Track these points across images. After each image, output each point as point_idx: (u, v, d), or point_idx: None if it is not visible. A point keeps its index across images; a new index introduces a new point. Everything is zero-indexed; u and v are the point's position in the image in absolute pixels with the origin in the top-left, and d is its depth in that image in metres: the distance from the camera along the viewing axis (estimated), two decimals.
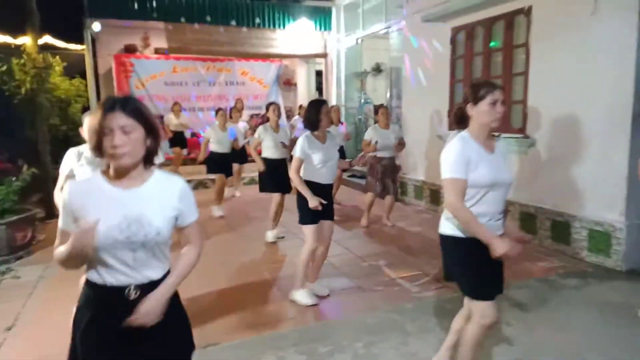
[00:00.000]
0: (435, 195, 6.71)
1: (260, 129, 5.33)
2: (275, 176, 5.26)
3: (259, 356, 2.84)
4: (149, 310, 1.54)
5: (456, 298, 3.40)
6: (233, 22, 8.92)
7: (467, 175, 2.13)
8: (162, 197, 1.62)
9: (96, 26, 8.49)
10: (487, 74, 5.70)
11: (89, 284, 1.60)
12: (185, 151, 10.74)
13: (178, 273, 1.68)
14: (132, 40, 10.91)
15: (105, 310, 1.57)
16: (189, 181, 6.99)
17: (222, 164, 6.78)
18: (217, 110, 7.02)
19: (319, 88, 12.16)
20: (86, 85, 8.52)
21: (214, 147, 6.68)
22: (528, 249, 4.83)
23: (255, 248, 5.13)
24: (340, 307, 3.60)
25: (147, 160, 1.60)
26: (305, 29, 9.79)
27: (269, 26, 9.33)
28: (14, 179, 4.95)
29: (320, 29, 9.93)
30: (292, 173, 3.51)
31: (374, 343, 2.96)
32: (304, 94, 12.35)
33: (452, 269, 2.33)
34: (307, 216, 3.52)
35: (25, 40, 6.43)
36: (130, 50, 11.02)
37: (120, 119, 1.49)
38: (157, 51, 10.82)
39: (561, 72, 4.69)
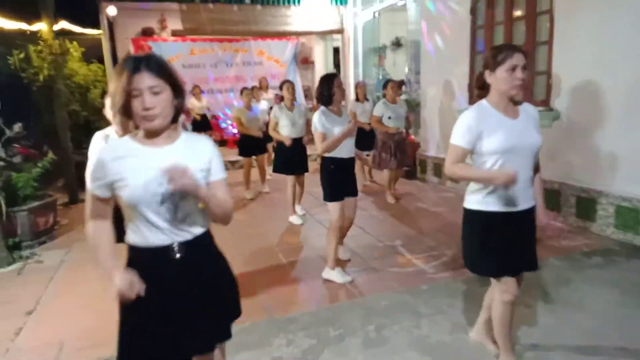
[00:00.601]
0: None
1: (275, 108, 5.26)
2: (290, 157, 5.20)
3: (270, 339, 2.83)
4: (176, 173, 1.45)
5: (472, 279, 3.34)
6: (247, 0, 8.75)
7: (473, 145, 2.10)
8: (194, 153, 1.62)
9: (111, 10, 8.49)
10: (510, 43, 5.42)
11: (132, 249, 1.63)
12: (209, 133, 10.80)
13: (215, 194, 1.62)
14: (149, 23, 10.90)
15: (154, 272, 1.58)
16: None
17: (250, 145, 6.63)
18: (242, 90, 6.83)
19: (337, 65, 11.93)
20: (104, 70, 8.56)
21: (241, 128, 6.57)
22: (551, 227, 4.68)
23: (273, 230, 5.11)
24: (353, 289, 3.55)
25: (174, 119, 1.60)
26: (321, 3, 9.54)
27: (284, 2, 9.12)
28: (37, 164, 5.05)
29: (336, 3, 9.67)
30: (318, 149, 3.49)
31: (386, 326, 2.91)
32: (322, 72, 12.10)
33: (463, 242, 2.31)
34: (331, 193, 3.55)
35: (41, 26, 6.47)
36: (147, 33, 11.01)
37: (148, 80, 1.47)
38: (174, 33, 10.79)
39: (587, 41, 4.41)
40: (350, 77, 10.06)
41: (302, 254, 4.36)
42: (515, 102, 2.14)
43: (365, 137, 5.99)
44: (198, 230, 1.66)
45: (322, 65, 12.17)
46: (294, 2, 9.23)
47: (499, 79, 2.05)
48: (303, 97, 11.42)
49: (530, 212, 2.19)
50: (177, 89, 1.56)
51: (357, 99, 6.64)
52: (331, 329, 2.91)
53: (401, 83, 7.79)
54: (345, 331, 2.88)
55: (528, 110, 2.18)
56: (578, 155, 4.63)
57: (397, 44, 11.30)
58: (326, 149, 3.42)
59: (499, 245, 2.14)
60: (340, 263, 3.84)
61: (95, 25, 8.57)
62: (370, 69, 9.74)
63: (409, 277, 3.70)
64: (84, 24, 8.25)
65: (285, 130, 5.17)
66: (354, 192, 3.69)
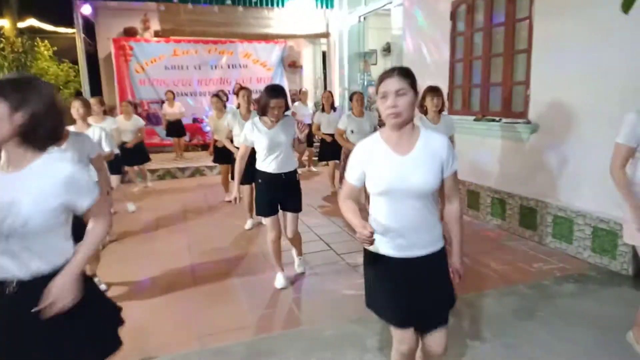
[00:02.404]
0: None
1: (229, 116, 4.98)
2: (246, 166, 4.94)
3: None
4: (58, 295, 1.45)
5: None
6: (228, 1, 8.49)
7: (362, 182, 1.87)
8: (42, 183, 1.45)
9: (86, 9, 8.21)
10: (488, 52, 5.16)
11: None
12: (186, 137, 10.53)
13: (84, 250, 1.60)
14: (131, 23, 10.66)
15: None
16: (185, 169, 6.86)
17: (224, 153, 6.35)
18: (212, 97, 6.57)
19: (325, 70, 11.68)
20: (78, 70, 8.29)
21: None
22: (525, 248, 4.40)
23: (225, 240, 4.82)
24: (300, 314, 3.25)
25: (27, 140, 1.45)
26: (306, 6, 9.28)
27: (267, 4, 8.86)
28: None
29: (322, 6, 9.40)
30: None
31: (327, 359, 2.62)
32: (309, 77, 11.90)
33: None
34: (258, 207, 3.60)
35: (4, 23, 6.21)
36: (130, 33, 10.77)
37: None
38: (156, 34, 10.53)
39: (568, 50, 4.13)
40: (335, 82, 9.79)
41: (254, 266, 4.08)
42: (397, 129, 1.80)
43: (327, 148, 5.99)
44: (44, 267, 1.48)
45: (310, 69, 11.91)
46: (277, 5, 8.97)
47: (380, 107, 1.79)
48: (291, 101, 11.16)
49: (430, 260, 1.84)
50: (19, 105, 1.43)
51: (323, 109, 6.46)
52: None
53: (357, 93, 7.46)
54: None
55: (430, 142, 1.79)
56: (556, 172, 4.35)
57: (387, 49, 11.03)
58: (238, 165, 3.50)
59: (388, 291, 1.85)
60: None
61: (70, 24, 8.28)
62: (355, 74, 9.46)
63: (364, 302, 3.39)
64: (56, 23, 7.96)
65: (237, 139, 4.89)
66: (290, 208, 3.55)
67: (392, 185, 1.75)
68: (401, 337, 1.88)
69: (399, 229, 1.79)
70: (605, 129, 3.82)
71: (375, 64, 10.79)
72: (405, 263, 1.81)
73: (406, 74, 1.76)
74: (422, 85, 5.15)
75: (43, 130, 1.46)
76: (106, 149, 4.14)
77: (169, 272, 4.00)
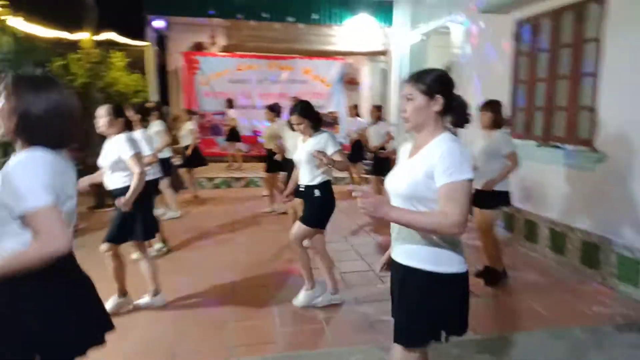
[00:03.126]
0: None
1: (274, 126, 5.12)
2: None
3: None
4: None
5: (470, 343, 2.87)
6: (290, 19, 8.68)
7: None
8: None
9: (159, 23, 8.73)
10: (553, 73, 4.85)
11: None
12: (244, 147, 10.85)
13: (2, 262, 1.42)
14: (200, 38, 11.23)
15: None
16: (240, 179, 7.07)
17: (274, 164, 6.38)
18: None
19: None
20: (146, 81, 8.81)
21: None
22: (584, 287, 4.02)
23: (269, 253, 4.82)
24: (331, 335, 3.16)
25: (25, 139, 1.49)
26: (366, 24, 9.28)
27: (327, 22, 8.95)
28: None
29: (382, 24, 9.36)
30: None
31: None
32: (367, 94, 11.87)
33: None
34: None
35: (83, 35, 6.73)
36: (198, 47, 11.37)
37: None
38: (222, 49, 11.00)
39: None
40: (393, 101, 9.65)
41: (292, 281, 4.03)
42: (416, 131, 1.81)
43: (378, 163, 6.53)
44: None
45: (368, 87, 11.88)
46: (337, 22, 9.04)
47: None
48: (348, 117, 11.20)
49: (408, 273, 1.77)
50: None
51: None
52: None
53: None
54: None
55: (433, 148, 1.70)
56: (624, 206, 3.95)
57: (449, 68, 10.79)
58: None
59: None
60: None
61: (144, 38, 8.84)
62: None
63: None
64: (131, 36, 8.53)
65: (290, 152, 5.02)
66: (300, 217, 3.62)
67: (388, 184, 1.84)
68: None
69: (392, 227, 1.84)
70: None
71: None
72: (394, 262, 1.87)
73: (418, 79, 1.73)
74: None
75: (41, 132, 1.48)
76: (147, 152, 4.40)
77: (209, 283, 4.04)
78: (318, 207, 3.51)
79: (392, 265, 1.91)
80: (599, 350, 2.95)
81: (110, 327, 1.76)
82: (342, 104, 11.58)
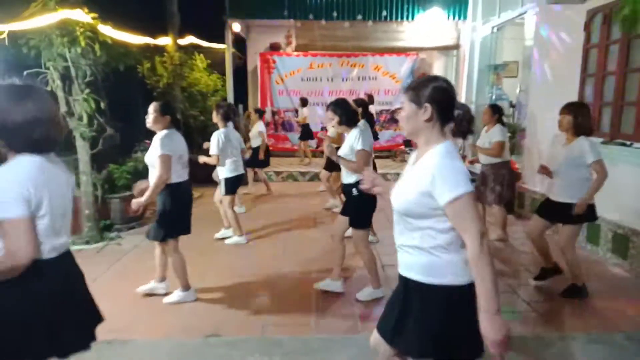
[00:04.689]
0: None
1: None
2: None
3: (243, 357, 2.82)
4: None
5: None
6: (359, 17, 8.84)
7: None
8: None
9: (236, 26, 9.33)
10: (623, 66, 4.53)
11: None
12: (314, 143, 11.20)
13: None
14: (276, 38, 11.75)
15: None
16: (305, 173, 7.21)
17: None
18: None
19: None
20: (224, 81, 9.47)
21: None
22: (633, 290, 3.77)
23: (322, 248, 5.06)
24: (364, 324, 3.32)
25: (7, 144, 1.61)
26: (437, 18, 9.14)
27: (396, 18, 8.97)
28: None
29: (454, 17, 9.16)
30: None
31: None
32: None
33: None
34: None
35: (167, 40, 7.46)
36: (274, 48, 11.89)
37: None
38: (296, 48, 11.43)
39: None
40: (462, 96, 9.42)
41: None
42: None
43: None
44: None
45: None
46: (407, 18, 9.02)
47: None
48: None
49: (412, 286, 1.73)
50: None
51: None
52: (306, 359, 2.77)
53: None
54: None
55: (425, 162, 1.67)
56: None
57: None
58: None
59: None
60: None
61: (223, 40, 9.49)
62: (484, 87, 8.98)
63: None
64: (212, 39, 9.22)
65: None
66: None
67: (392, 197, 1.80)
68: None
69: (397, 239, 1.83)
70: None
71: (516, 76, 10.09)
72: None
73: (409, 88, 1.72)
74: (555, 101, 4.42)
75: (22, 140, 1.58)
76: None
77: (258, 272, 4.35)
78: (355, 206, 3.54)
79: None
80: (636, 357, 2.81)
81: (99, 320, 1.91)
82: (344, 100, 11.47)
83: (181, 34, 7.78)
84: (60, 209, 1.71)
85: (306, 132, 10.43)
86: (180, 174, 3.50)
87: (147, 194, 3.28)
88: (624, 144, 4.45)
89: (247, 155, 6.20)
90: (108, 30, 5.24)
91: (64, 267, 1.76)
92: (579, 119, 3.49)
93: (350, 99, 4.54)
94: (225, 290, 3.88)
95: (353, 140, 3.50)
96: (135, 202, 3.28)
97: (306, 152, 10.66)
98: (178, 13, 7.37)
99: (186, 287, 3.62)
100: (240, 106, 9.73)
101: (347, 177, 3.62)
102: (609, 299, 3.70)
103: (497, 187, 5.10)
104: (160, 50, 7.54)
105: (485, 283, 1.52)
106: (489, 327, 1.52)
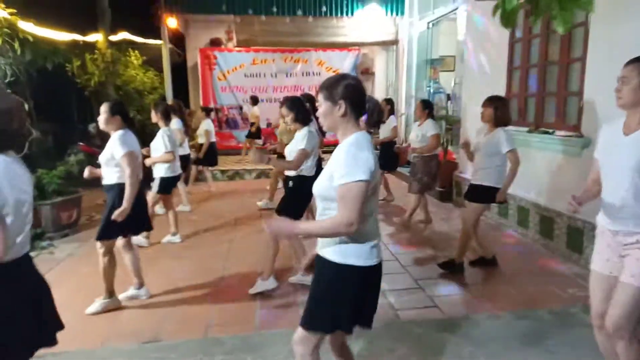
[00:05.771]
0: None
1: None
2: None
3: (185, 358, 2.77)
4: None
5: (432, 322, 3.05)
6: (299, 12, 8.85)
7: None
8: None
9: (172, 21, 9.06)
10: (544, 59, 4.84)
11: None
12: (260, 141, 11.11)
13: None
14: (217, 34, 11.51)
15: None
16: (252, 170, 7.19)
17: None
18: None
19: None
20: (162, 78, 9.18)
21: None
22: (567, 272, 4.06)
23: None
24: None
25: None
26: (376, 14, 9.33)
27: (336, 14, 9.08)
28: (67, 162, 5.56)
29: (392, 13, 9.39)
30: None
31: None
32: (382, 83, 11.90)
33: None
34: None
35: (98, 37, 7.13)
36: (215, 43, 11.61)
37: None
38: (237, 44, 11.24)
39: (626, 58, 3.74)
40: (402, 90, 9.69)
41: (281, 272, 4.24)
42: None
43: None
44: None
45: (382, 76, 11.91)
46: (347, 14, 9.14)
47: None
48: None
49: (320, 260, 1.94)
50: None
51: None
52: (249, 357, 2.77)
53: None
54: None
55: (337, 151, 1.85)
56: None
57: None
58: None
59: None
60: None
61: (159, 36, 9.19)
62: (422, 82, 9.29)
63: None
64: (146, 35, 8.90)
65: None
66: None
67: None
68: None
69: None
70: None
71: (453, 69, 10.49)
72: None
73: (323, 87, 1.85)
74: (486, 93, 4.67)
75: None
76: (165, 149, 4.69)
77: (201, 273, 4.28)
78: (289, 198, 3.72)
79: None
80: (561, 329, 3.04)
81: (59, 327, 1.99)
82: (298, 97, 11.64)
83: (113, 30, 7.46)
84: (25, 210, 1.77)
85: (256, 131, 10.30)
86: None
87: (125, 198, 3.22)
88: (546, 132, 4.75)
89: (194, 154, 6.03)
90: (30, 27, 4.94)
91: (28, 267, 1.87)
92: (498, 111, 3.78)
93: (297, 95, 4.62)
94: (167, 294, 3.79)
95: (301, 139, 3.57)
96: (118, 213, 3.20)
97: (250, 149, 10.53)
98: (109, 8, 7.05)
99: (110, 292, 3.50)
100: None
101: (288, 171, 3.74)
102: (535, 277, 3.97)
103: (425, 177, 5.37)
104: (91, 47, 7.18)
105: (312, 228, 1.90)
106: (283, 225, 1.89)
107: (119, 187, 3.32)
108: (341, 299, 1.83)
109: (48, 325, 1.93)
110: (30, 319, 1.78)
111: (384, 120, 6.21)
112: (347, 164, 1.71)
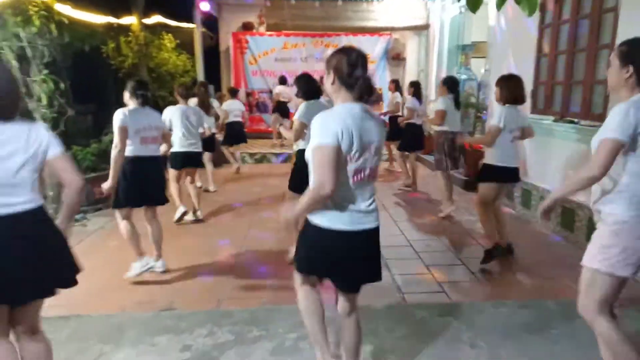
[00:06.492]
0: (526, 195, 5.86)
1: None
2: None
3: (195, 328, 2.93)
4: None
5: (437, 307, 3.10)
6: None
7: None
8: None
9: (205, 5, 9.22)
10: (572, 46, 4.68)
11: None
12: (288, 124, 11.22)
13: None
14: (249, 18, 11.64)
15: None
16: (279, 154, 8.32)
17: None
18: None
19: None
20: (194, 61, 9.39)
21: None
22: (577, 264, 3.98)
23: None
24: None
25: None
26: None
27: None
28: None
29: None
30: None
31: (306, 337, 2.81)
32: (413, 69, 11.72)
33: None
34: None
35: (132, 20, 7.36)
36: (247, 27, 11.78)
37: None
38: (268, 28, 11.32)
39: None
40: (432, 75, 9.54)
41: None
42: None
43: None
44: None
45: (414, 62, 11.73)
46: None
47: None
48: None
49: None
50: None
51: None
52: (255, 329, 2.91)
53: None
54: (266, 334, 2.86)
55: None
56: None
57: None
58: None
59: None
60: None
61: (192, 20, 9.37)
62: (452, 68, 9.10)
63: (380, 291, 3.46)
64: (180, 19, 9.10)
65: None
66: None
67: None
68: None
69: None
70: None
71: (486, 56, 10.22)
72: None
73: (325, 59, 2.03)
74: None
75: None
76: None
77: (219, 250, 4.49)
78: (293, 173, 3.90)
79: None
80: (567, 319, 3.00)
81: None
82: (386, 79, 11.56)
83: (147, 13, 7.68)
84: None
85: (281, 109, 10.35)
86: (135, 149, 3.54)
87: (110, 178, 3.42)
88: (572, 122, 4.62)
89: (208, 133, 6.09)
90: (67, 10, 5.17)
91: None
92: (503, 90, 3.82)
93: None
94: (184, 269, 3.98)
95: (298, 112, 3.71)
96: (105, 187, 3.44)
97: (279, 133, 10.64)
98: None
99: (140, 255, 3.70)
100: (212, 87, 9.65)
101: (295, 145, 3.87)
102: (552, 268, 3.93)
103: (437, 154, 5.45)
104: (125, 30, 7.44)
105: (301, 204, 1.90)
106: (289, 209, 2.00)
107: (124, 160, 3.51)
108: (315, 251, 2.03)
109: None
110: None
111: (375, 98, 6.53)
112: (315, 130, 1.84)
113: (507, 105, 3.80)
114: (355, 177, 1.92)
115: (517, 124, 3.80)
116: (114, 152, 3.45)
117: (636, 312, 3.13)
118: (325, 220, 1.95)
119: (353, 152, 1.86)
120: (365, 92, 1.93)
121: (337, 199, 1.91)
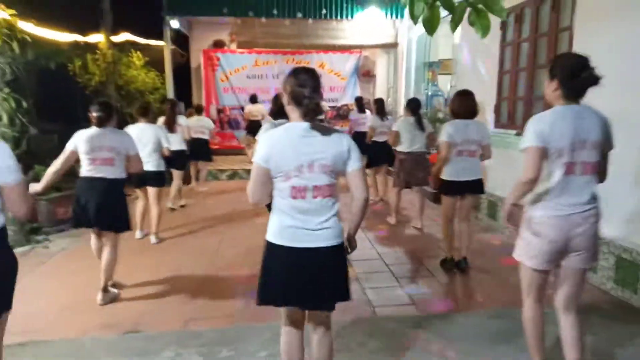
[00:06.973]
0: (492, 206, 5.99)
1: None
2: None
3: (161, 350, 2.85)
4: None
5: (408, 319, 3.10)
6: (299, 14, 8.93)
7: None
8: None
9: (174, 23, 9.20)
10: (532, 63, 4.88)
11: None
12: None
13: None
14: (220, 36, 11.67)
15: None
16: (249, 171, 7.57)
17: None
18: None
19: None
20: (164, 79, 9.32)
21: None
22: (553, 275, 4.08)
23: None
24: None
25: None
26: (376, 17, 9.39)
27: (336, 17, 9.14)
28: None
29: (392, 16, 9.44)
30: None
31: (275, 355, 2.77)
32: (383, 86, 11.95)
33: None
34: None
35: (100, 37, 7.28)
36: (218, 45, 11.81)
37: None
38: (239, 45, 11.36)
39: (608, 63, 3.77)
40: (401, 92, 9.74)
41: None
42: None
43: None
44: None
45: (383, 79, 11.96)
46: (346, 16, 9.20)
47: None
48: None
49: None
50: None
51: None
52: (224, 349, 2.85)
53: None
54: (236, 354, 2.80)
55: None
56: None
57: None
58: None
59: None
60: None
61: (162, 37, 9.33)
62: (420, 84, 9.33)
63: (351, 305, 3.46)
64: (149, 36, 9.05)
65: None
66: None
67: None
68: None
69: None
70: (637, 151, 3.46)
71: (452, 73, 10.52)
72: None
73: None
74: (478, 96, 4.65)
75: None
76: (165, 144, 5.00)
77: (187, 267, 4.42)
78: None
79: None
80: None
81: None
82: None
83: (115, 30, 7.62)
84: None
85: (251, 129, 10.33)
86: (84, 170, 3.57)
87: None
88: None
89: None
90: (30, 28, 5.07)
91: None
92: (454, 104, 3.97)
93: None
94: (150, 287, 3.89)
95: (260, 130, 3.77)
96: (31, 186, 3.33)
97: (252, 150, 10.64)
98: (110, 11, 7.20)
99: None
100: (182, 104, 9.58)
101: None
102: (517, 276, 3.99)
103: (394, 172, 5.70)
104: (92, 47, 7.34)
105: None
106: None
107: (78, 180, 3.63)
108: (264, 271, 2.09)
109: None
110: None
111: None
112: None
113: (455, 119, 3.91)
114: (295, 195, 1.96)
115: (465, 137, 3.85)
116: (50, 168, 3.50)
117: (598, 317, 3.23)
118: (270, 235, 2.05)
119: (283, 171, 1.93)
120: (310, 112, 1.96)
121: (275, 213, 2.04)
